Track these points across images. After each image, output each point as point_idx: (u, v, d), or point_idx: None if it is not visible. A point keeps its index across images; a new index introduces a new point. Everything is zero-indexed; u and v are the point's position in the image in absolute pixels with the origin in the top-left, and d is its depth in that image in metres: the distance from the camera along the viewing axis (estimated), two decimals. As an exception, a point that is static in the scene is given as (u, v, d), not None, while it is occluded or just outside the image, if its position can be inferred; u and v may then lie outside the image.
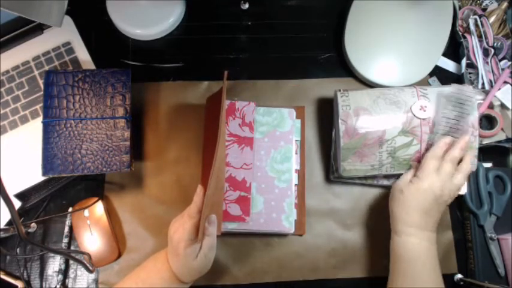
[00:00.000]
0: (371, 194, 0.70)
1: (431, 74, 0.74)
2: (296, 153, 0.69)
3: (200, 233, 0.53)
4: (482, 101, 0.70)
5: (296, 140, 0.69)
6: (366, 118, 0.64)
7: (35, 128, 0.67)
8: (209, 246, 0.55)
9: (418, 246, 0.59)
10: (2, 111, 0.68)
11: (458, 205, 0.70)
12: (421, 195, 0.60)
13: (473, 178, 0.68)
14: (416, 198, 0.60)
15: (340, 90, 0.66)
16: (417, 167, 0.63)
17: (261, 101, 0.72)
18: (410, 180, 0.61)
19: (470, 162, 0.62)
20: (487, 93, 0.70)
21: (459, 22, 0.75)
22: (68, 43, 0.72)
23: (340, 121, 0.64)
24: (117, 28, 0.75)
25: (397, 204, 0.62)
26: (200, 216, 0.52)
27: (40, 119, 0.68)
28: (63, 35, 0.72)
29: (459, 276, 0.67)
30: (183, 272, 0.55)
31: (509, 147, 0.71)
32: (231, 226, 0.64)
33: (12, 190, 0.65)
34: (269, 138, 0.68)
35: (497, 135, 0.69)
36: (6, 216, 0.64)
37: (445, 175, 0.60)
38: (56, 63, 0.71)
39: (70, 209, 0.66)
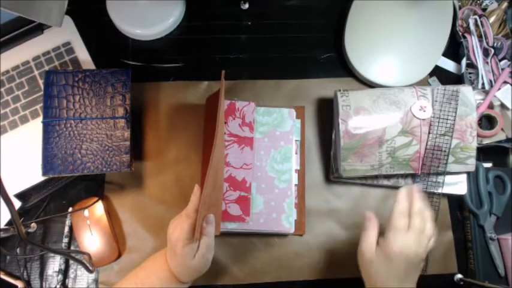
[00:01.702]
0: (371, 194, 0.70)
1: (431, 74, 0.74)
2: (296, 153, 0.69)
3: (197, 232, 0.53)
4: (482, 101, 0.70)
5: (296, 140, 0.69)
6: (366, 118, 0.64)
7: (35, 128, 0.67)
8: (207, 245, 0.55)
9: None
10: (2, 111, 0.68)
11: (458, 205, 0.70)
12: (394, 262, 0.52)
13: (473, 178, 0.68)
14: (389, 267, 0.53)
15: (340, 90, 0.67)
16: (376, 227, 0.56)
17: (261, 101, 0.72)
18: (378, 243, 0.54)
19: (428, 207, 0.55)
20: (487, 93, 0.70)
21: (459, 22, 0.75)
22: (68, 43, 0.72)
23: (340, 121, 0.64)
24: (117, 28, 0.75)
25: (368, 278, 0.55)
26: (197, 216, 0.52)
27: (40, 119, 0.68)
28: (63, 35, 0.72)
29: (459, 276, 0.67)
30: (182, 271, 0.55)
31: (509, 147, 0.71)
32: (231, 226, 0.64)
33: (12, 190, 0.65)
34: (269, 138, 0.68)
35: (497, 135, 0.69)
36: (6, 216, 0.64)
37: (417, 233, 0.53)
38: (56, 63, 0.71)
39: (70, 209, 0.66)
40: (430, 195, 0.66)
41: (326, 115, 0.72)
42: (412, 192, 0.55)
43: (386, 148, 0.63)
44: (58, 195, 0.68)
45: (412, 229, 0.53)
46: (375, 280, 0.54)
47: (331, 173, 0.69)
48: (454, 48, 0.76)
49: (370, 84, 0.74)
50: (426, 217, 0.55)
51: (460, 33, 0.74)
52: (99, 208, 0.66)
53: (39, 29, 0.72)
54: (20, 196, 0.66)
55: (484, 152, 0.72)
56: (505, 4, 0.74)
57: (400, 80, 0.72)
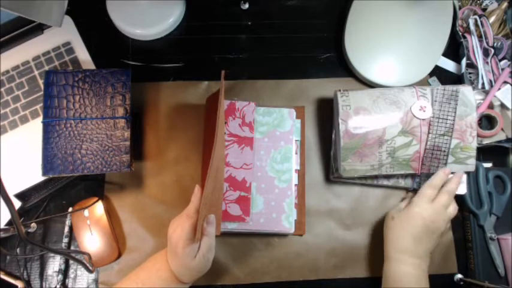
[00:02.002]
0: (371, 194, 0.70)
1: (431, 74, 0.74)
2: (296, 153, 0.69)
3: (198, 232, 0.53)
4: (482, 101, 0.70)
5: (296, 140, 0.69)
6: (366, 118, 0.64)
7: (35, 128, 0.67)
8: (207, 246, 0.55)
9: (408, 274, 0.59)
10: (2, 111, 0.68)
11: (458, 205, 0.70)
12: (411, 220, 0.61)
13: (473, 178, 0.68)
14: (407, 224, 0.61)
15: (340, 90, 0.67)
16: (411, 197, 0.64)
17: (261, 101, 0.72)
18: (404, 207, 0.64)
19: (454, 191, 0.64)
20: (487, 93, 0.70)
21: (459, 22, 0.75)
22: (68, 43, 0.72)
23: (340, 121, 0.64)
24: (117, 28, 0.75)
25: (388, 230, 0.64)
26: (198, 216, 0.52)
27: (40, 119, 0.68)
28: (63, 35, 0.72)
29: (459, 276, 0.67)
30: (182, 272, 0.55)
31: (509, 147, 0.71)
32: (231, 226, 0.64)
33: (12, 190, 0.65)
34: (269, 138, 0.68)
35: (497, 135, 0.69)
36: (6, 216, 0.64)
37: (440, 205, 0.61)
38: (56, 63, 0.71)
39: (70, 209, 0.66)
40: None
41: (326, 115, 0.72)
42: (454, 176, 0.63)
43: (386, 148, 0.63)
44: (58, 195, 0.68)
45: (437, 201, 0.61)
46: (392, 234, 0.62)
47: (331, 173, 0.69)
48: (454, 48, 0.76)
49: (370, 84, 0.74)
50: (453, 199, 0.63)
51: (460, 33, 0.74)
52: (99, 208, 0.66)
53: (39, 29, 0.72)
54: (20, 196, 0.66)
55: (484, 152, 0.72)
56: (505, 4, 0.74)
57: (400, 80, 0.72)
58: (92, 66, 0.71)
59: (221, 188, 0.63)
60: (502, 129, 0.69)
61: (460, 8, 0.75)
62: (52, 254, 0.66)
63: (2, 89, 0.69)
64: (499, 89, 0.69)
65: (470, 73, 0.74)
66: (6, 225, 0.64)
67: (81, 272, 0.66)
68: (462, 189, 0.67)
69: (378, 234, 0.68)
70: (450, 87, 0.65)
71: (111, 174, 0.69)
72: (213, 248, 0.56)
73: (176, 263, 0.54)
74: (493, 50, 0.71)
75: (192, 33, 0.76)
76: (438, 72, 0.75)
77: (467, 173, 0.67)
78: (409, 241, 0.60)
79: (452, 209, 0.62)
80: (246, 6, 0.77)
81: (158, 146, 0.70)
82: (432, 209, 0.60)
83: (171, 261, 0.55)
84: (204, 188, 0.51)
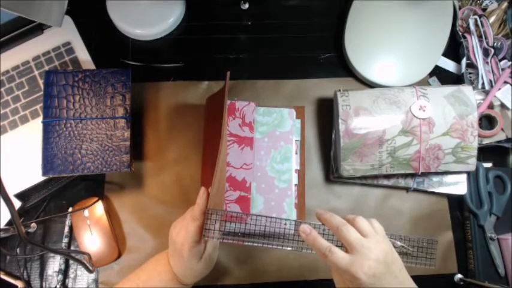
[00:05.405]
0: (371, 194, 0.70)
1: (431, 74, 0.74)
2: (296, 153, 0.69)
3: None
4: (482, 101, 0.70)
5: (296, 140, 0.69)
6: (366, 118, 0.64)
7: (35, 128, 0.67)
8: (213, 247, 0.55)
9: None
10: (2, 111, 0.68)
11: (458, 205, 0.70)
12: (385, 275, 0.46)
13: (473, 178, 0.68)
14: (386, 280, 0.46)
15: (340, 90, 0.67)
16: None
17: (261, 101, 0.72)
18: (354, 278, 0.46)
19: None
20: (487, 93, 0.70)
21: (459, 22, 0.75)
22: (68, 43, 0.72)
23: (340, 121, 0.64)
24: (117, 28, 0.75)
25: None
26: (204, 218, 0.52)
27: (40, 119, 0.68)
28: (63, 35, 0.72)
29: (459, 276, 0.67)
30: (186, 273, 0.55)
31: (509, 147, 0.71)
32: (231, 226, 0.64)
33: (12, 190, 0.65)
34: (269, 138, 0.68)
35: (497, 135, 0.69)
36: (6, 216, 0.64)
37: (372, 231, 0.48)
38: (56, 63, 0.71)
39: (70, 209, 0.66)
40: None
41: (326, 115, 0.72)
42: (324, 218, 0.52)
43: (387, 148, 0.63)
44: (58, 195, 0.68)
45: (366, 233, 0.48)
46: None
47: (331, 173, 0.69)
48: (454, 48, 0.76)
49: (370, 84, 0.74)
50: (359, 218, 0.50)
51: (460, 33, 0.74)
52: (99, 208, 0.66)
53: (39, 29, 0.72)
54: (20, 196, 0.66)
55: (484, 152, 0.72)
56: (505, 4, 0.74)
57: (400, 80, 0.72)
58: (92, 66, 0.71)
59: (223, 188, 0.63)
60: (502, 129, 0.69)
61: (460, 8, 0.75)
62: (52, 254, 0.66)
63: (2, 89, 0.69)
64: (499, 89, 0.69)
65: (470, 73, 0.74)
66: (6, 225, 0.64)
67: (81, 272, 0.66)
68: (462, 189, 0.67)
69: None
70: (450, 87, 0.65)
71: (111, 174, 0.69)
72: (217, 249, 0.56)
73: (180, 265, 0.54)
74: (493, 50, 0.71)
75: (192, 33, 0.76)
76: (438, 72, 0.75)
77: (468, 173, 0.68)
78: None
79: (375, 222, 0.50)
80: (246, 6, 0.77)
81: (158, 146, 0.70)
82: (374, 242, 0.47)
83: (173, 263, 0.55)
84: (209, 189, 0.51)
